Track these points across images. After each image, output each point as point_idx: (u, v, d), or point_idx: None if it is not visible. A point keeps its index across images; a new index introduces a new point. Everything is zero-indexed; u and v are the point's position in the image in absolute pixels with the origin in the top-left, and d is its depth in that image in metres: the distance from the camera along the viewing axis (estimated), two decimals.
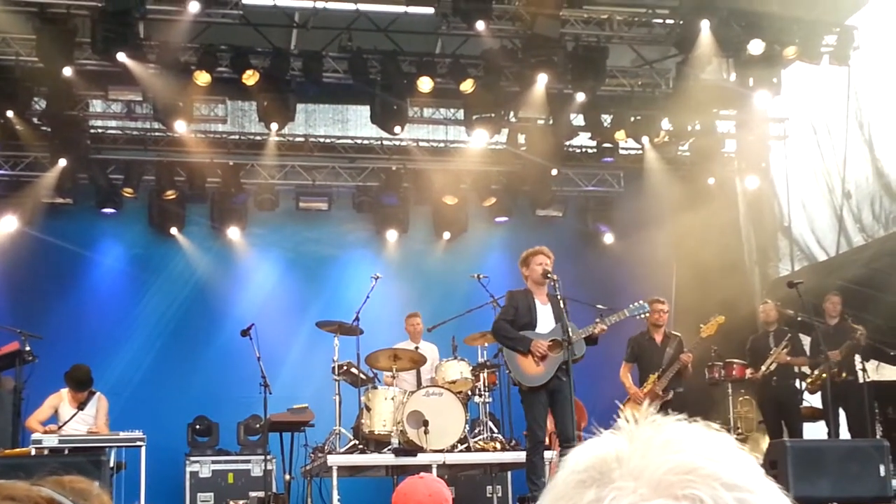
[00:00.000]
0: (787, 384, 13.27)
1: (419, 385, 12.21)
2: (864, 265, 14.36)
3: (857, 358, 13.05)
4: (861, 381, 12.94)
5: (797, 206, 16.43)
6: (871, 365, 13.46)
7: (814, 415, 13.81)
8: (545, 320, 9.81)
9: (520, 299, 9.92)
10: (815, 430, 13.85)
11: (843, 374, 12.46)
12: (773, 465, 10.13)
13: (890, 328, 14.07)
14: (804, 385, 13.41)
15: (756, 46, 14.46)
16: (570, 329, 9.37)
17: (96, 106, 15.70)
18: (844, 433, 12.91)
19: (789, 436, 12.81)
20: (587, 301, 10.31)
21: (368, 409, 11.46)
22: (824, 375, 12.31)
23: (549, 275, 9.62)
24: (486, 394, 12.29)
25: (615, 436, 1.08)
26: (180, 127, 14.79)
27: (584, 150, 16.98)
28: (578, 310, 10.22)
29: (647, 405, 1.13)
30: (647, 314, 10.78)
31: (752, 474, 1.04)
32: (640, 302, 10.31)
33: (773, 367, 13.07)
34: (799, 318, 13.39)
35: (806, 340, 13.44)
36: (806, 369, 13.35)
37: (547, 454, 10.10)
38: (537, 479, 9.74)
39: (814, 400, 13.89)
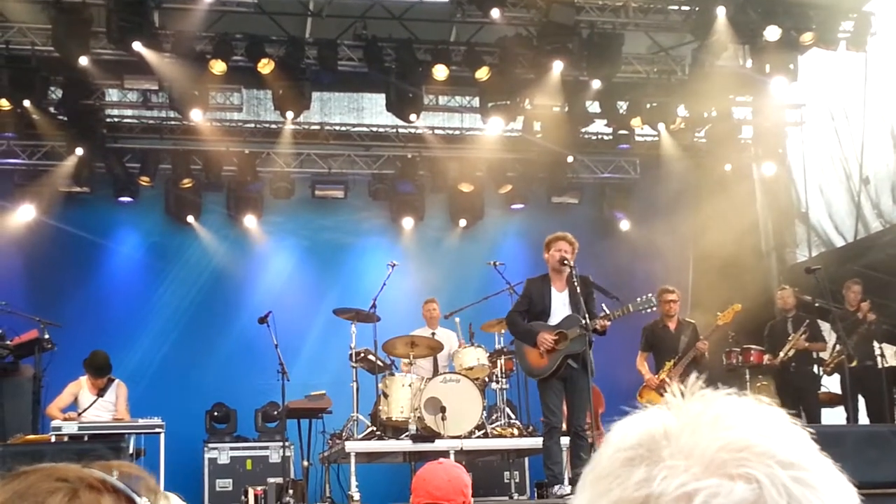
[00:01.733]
0: (805, 370, 13.24)
1: (436, 372, 12.23)
2: (882, 251, 14.31)
3: (875, 343, 13.01)
4: (879, 366, 12.90)
5: (814, 192, 16.39)
6: (890, 350, 13.41)
7: (832, 400, 13.77)
8: (560, 308, 9.82)
9: (534, 288, 9.94)
10: (833, 416, 13.82)
11: (855, 362, 12.36)
12: None
13: None
14: (821, 370, 13.38)
15: (772, 32, 14.41)
16: (583, 318, 9.40)
17: (112, 95, 15.73)
18: (863, 419, 12.88)
19: (807, 422, 12.70)
20: (606, 287, 10.23)
21: (386, 396, 11.48)
22: (842, 356, 12.28)
23: (566, 262, 9.62)
24: (503, 380, 12.32)
25: (662, 411, 1.04)
26: (196, 115, 14.83)
27: (599, 136, 16.95)
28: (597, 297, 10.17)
29: (693, 381, 1.08)
30: (654, 308, 10.71)
31: (807, 451, 1.00)
32: (648, 295, 10.22)
33: (791, 354, 13.05)
34: (817, 305, 13.35)
35: (824, 326, 13.41)
36: (824, 355, 13.32)
37: (563, 440, 10.11)
38: (553, 465, 9.77)
39: (832, 385, 13.85)
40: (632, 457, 1.00)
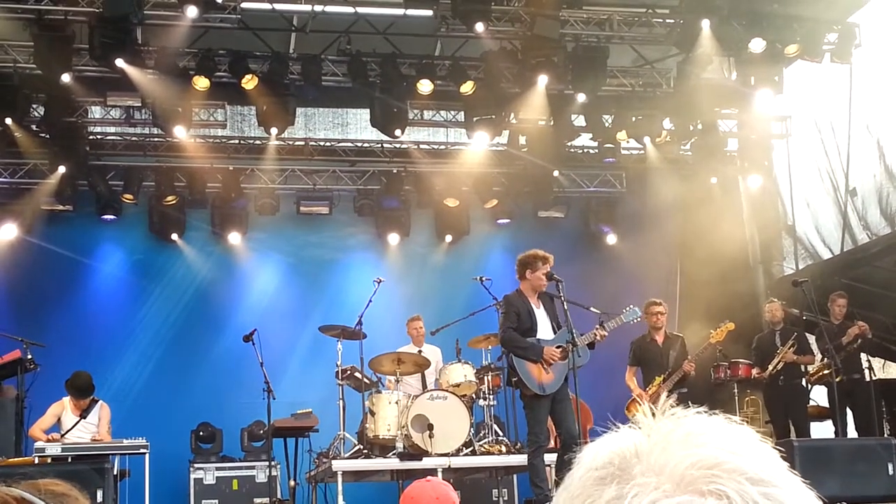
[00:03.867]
0: (793, 383, 13.20)
1: (423, 389, 12.15)
2: (870, 263, 14.30)
3: (864, 356, 12.98)
4: (868, 379, 12.88)
5: (801, 204, 16.39)
6: (878, 363, 13.41)
7: (821, 414, 13.75)
8: (543, 324, 9.91)
9: (518, 304, 9.95)
10: (822, 430, 13.78)
11: (840, 377, 12.28)
12: None
13: None
14: (806, 383, 13.37)
15: (757, 45, 14.41)
16: (575, 334, 9.48)
17: (95, 112, 15.63)
18: (852, 432, 12.85)
19: (797, 435, 12.74)
20: (583, 303, 10.30)
21: (373, 414, 11.40)
22: (826, 371, 12.26)
23: (552, 275, 9.69)
24: (491, 397, 12.25)
25: (633, 430, 1.06)
26: (180, 132, 14.74)
27: (585, 150, 16.94)
28: (573, 312, 10.19)
29: (664, 399, 1.10)
30: (640, 318, 10.89)
31: (776, 468, 1.02)
32: (632, 307, 10.49)
33: (779, 367, 13.01)
34: (804, 317, 13.33)
35: (812, 339, 13.38)
36: (811, 367, 13.30)
37: (549, 456, 10.08)
38: (540, 482, 9.75)
39: (821, 399, 13.83)
40: (603, 476, 1.02)
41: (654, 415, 1.07)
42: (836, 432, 12.59)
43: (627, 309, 10.39)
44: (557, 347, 9.67)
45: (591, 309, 10.16)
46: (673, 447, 1.01)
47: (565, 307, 9.60)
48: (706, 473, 0.97)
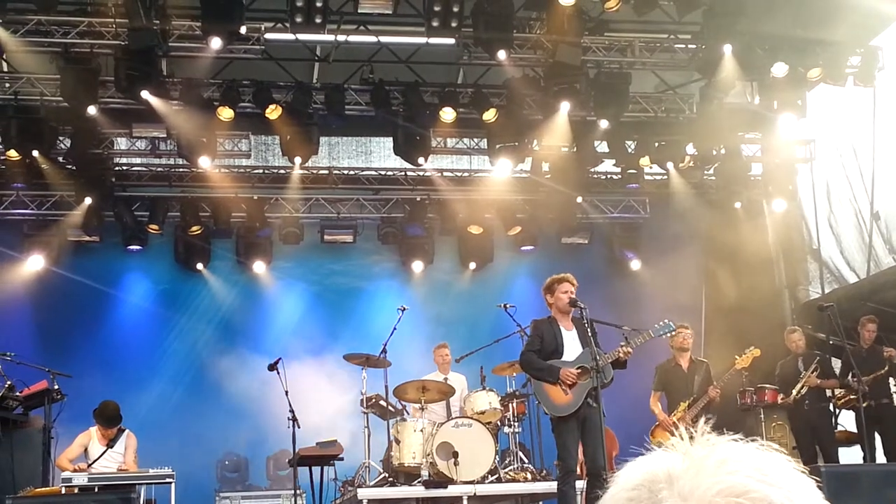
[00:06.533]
0: (819, 407, 13.09)
1: (448, 416, 12.12)
2: (895, 286, 14.19)
3: (892, 381, 12.86)
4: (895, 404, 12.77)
5: (825, 228, 16.29)
6: None
7: (849, 439, 13.62)
8: (571, 347, 9.71)
9: (544, 328, 9.82)
10: (850, 455, 13.65)
11: (869, 402, 12.16)
12: None
13: None
14: (834, 408, 13.24)
15: (779, 69, 14.40)
16: (598, 354, 9.29)
17: (121, 143, 15.76)
18: (881, 457, 12.72)
19: (825, 460, 12.62)
20: (614, 322, 10.17)
21: (398, 442, 11.39)
22: (853, 396, 12.15)
23: (576, 302, 9.54)
24: (516, 424, 12.21)
25: (668, 453, 1.07)
26: (204, 162, 14.84)
27: (608, 176, 16.93)
28: (605, 332, 10.10)
29: (702, 424, 1.11)
30: (673, 334, 10.68)
31: (807, 498, 1.02)
32: (666, 321, 10.18)
33: (803, 391, 12.91)
34: (831, 342, 13.22)
35: (837, 363, 13.27)
36: (839, 392, 13.18)
37: (578, 484, 9.96)
38: None
39: (849, 424, 13.70)
40: (632, 497, 1.04)
41: (691, 438, 1.08)
42: (864, 458, 12.46)
43: (660, 324, 10.07)
44: (577, 368, 9.54)
45: (624, 328, 10.01)
46: (704, 473, 1.01)
47: (588, 330, 9.50)
48: (732, 501, 0.98)
